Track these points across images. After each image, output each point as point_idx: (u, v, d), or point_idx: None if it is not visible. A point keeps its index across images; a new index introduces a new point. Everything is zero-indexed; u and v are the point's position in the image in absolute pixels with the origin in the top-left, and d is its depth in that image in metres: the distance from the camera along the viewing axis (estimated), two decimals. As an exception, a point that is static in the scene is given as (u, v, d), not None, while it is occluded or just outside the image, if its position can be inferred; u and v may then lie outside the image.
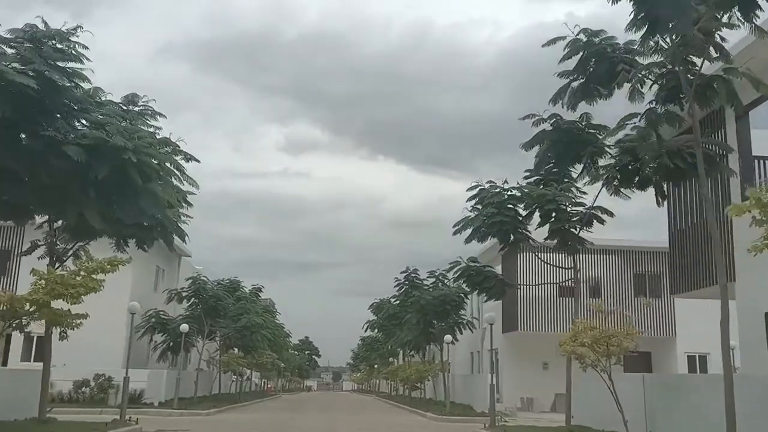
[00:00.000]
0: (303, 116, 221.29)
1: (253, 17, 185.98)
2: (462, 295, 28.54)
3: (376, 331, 39.69)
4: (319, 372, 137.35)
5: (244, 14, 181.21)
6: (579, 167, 14.96)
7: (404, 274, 30.99)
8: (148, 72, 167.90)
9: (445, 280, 29.43)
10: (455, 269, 17.04)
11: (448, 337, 25.25)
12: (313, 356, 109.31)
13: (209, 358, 31.40)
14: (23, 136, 11.38)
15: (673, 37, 9.97)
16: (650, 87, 11.07)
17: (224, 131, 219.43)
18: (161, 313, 27.80)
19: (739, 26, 9.69)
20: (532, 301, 28.71)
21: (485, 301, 17.50)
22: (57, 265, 13.72)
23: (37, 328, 13.23)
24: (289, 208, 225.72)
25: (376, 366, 65.77)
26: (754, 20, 9.46)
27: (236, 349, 33.56)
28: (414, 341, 30.69)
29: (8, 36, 11.08)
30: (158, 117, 13.21)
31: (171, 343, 28.34)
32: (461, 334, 28.07)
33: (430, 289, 29.20)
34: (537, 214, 15.52)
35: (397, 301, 36.01)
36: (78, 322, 12.41)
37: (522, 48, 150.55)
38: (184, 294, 28.59)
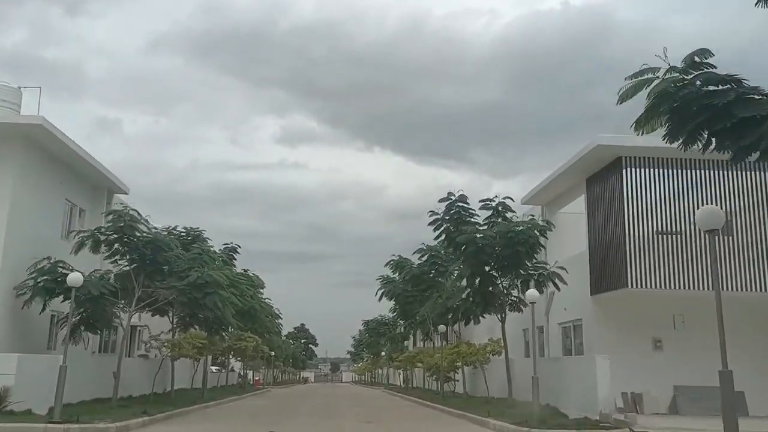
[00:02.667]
0: (299, 108, 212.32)
1: (248, 8, 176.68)
2: (537, 233, 18.35)
3: (392, 302, 29.30)
4: (316, 363, 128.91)
5: (238, 5, 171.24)
6: None
7: (447, 203, 19.44)
8: (143, 64, 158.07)
9: (507, 213, 19.08)
10: (652, 87, 6.54)
11: (532, 293, 14.65)
12: (310, 345, 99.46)
13: (150, 339, 21.11)
14: None
15: None
16: None
17: (220, 123, 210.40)
18: (61, 265, 17.31)
19: None
20: (637, 243, 18.36)
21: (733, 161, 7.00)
22: None
23: None
24: (287, 199, 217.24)
25: (383, 353, 55.73)
26: None
27: (197, 327, 23.40)
28: (463, 307, 20.01)
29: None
30: None
31: (84, 314, 18.18)
32: (541, 294, 17.40)
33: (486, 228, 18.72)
34: None
35: (425, 257, 25.60)
36: None
37: (518, 37, 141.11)
38: (102, 237, 18.17)
